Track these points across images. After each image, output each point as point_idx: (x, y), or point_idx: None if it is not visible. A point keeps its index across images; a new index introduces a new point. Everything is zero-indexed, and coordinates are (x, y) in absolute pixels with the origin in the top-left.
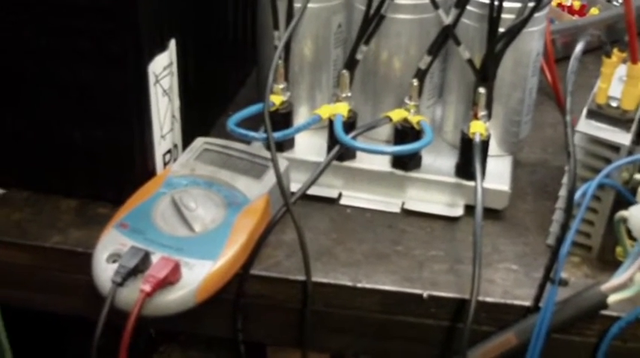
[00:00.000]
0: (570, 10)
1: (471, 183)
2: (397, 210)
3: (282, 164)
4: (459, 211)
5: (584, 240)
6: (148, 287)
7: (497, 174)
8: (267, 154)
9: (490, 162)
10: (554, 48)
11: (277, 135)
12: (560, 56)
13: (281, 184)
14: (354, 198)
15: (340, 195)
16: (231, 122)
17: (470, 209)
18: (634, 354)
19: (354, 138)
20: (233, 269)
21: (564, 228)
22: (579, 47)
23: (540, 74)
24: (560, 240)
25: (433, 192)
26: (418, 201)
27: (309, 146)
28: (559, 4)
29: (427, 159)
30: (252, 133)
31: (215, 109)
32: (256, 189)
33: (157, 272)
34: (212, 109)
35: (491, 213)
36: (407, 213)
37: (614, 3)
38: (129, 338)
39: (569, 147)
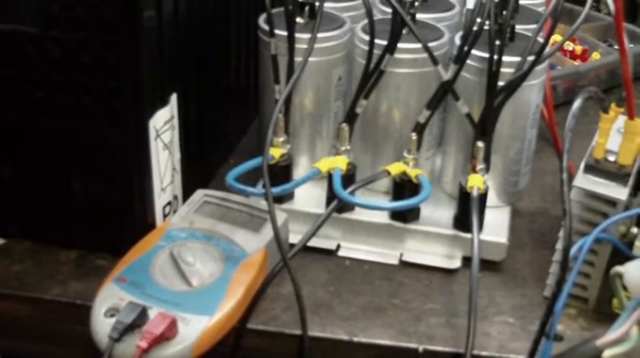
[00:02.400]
0: (572, 54)
1: (469, 236)
2: (395, 261)
3: (281, 216)
4: (456, 263)
5: (580, 293)
6: (144, 344)
7: (495, 226)
8: (266, 207)
9: (488, 214)
10: (556, 93)
11: (276, 190)
12: (562, 101)
13: (278, 239)
14: (353, 249)
15: (339, 246)
16: (231, 177)
17: (468, 261)
18: None
19: (352, 192)
20: (230, 324)
21: (559, 284)
22: (576, 104)
23: (541, 120)
24: (555, 295)
25: (431, 244)
26: (416, 253)
27: (309, 197)
28: (561, 49)
29: (426, 210)
30: (250, 189)
31: (217, 158)
32: (254, 243)
33: (154, 329)
34: (214, 159)
35: (488, 265)
36: (405, 264)
37: (616, 47)
38: None
39: (565, 205)
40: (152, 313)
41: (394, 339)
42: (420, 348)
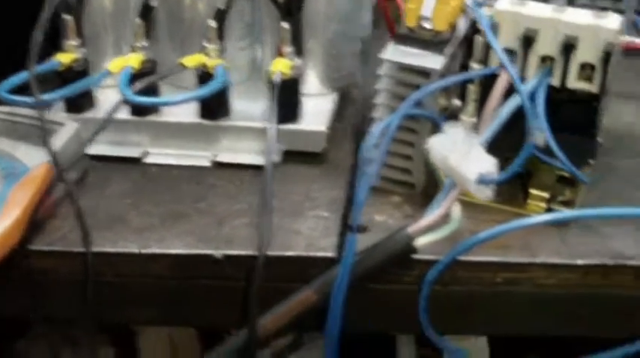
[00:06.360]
0: None
1: (287, 127)
2: (207, 163)
3: (71, 126)
4: (274, 159)
5: (405, 177)
6: None
7: (316, 114)
8: (59, 118)
9: (309, 102)
10: None
11: (47, 97)
12: None
13: (52, 153)
14: (162, 155)
15: (147, 153)
16: (3, 88)
17: (290, 155)
18: (456, 297)
19: (141, 92)
20: (7, 245)
21: (354, 167)
22: None
23: None
24: (351, 182)
25: (246, 141)
26: (230, 152)
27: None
28: None
29: (241, 104)
30: (20, 98)
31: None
32: (37, 158)
33: None
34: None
35: (309, 157)
36: (219, 166)
37: None
38: None
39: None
40: None
41: (190, 247)
42: (218, 254)
